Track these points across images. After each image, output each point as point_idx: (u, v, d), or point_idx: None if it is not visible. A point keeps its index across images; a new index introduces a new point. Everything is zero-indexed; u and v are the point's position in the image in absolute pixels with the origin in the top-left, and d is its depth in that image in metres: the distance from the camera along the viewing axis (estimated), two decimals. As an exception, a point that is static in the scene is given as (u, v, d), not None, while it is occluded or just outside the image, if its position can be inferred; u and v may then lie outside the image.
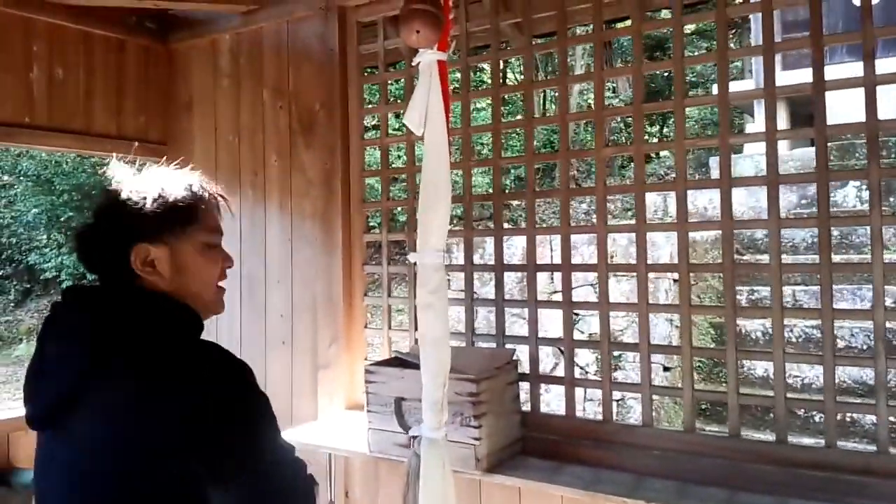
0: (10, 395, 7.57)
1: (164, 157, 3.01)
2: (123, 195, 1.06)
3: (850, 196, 5.41)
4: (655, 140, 9.26)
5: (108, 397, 0.94)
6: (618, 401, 4.53)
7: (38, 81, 2.55)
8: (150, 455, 0.92)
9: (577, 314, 4.35)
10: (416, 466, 1.57)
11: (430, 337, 1.56)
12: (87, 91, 2.71)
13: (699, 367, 4.78)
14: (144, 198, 1.05)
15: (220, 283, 1.15)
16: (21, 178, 9.74)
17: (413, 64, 1.55)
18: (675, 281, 5.05)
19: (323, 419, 2.46)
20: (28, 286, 10.33)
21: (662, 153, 8.85)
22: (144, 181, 1.08)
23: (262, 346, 2.65)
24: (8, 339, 9.44)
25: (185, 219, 1.07)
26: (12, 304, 10.08)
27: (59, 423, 0.98)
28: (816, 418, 4.17)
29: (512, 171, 7.70)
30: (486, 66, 5.71)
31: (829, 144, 1.88)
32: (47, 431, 1.03)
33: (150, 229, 1.04)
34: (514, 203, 6.99)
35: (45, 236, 9.78)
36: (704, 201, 5.41)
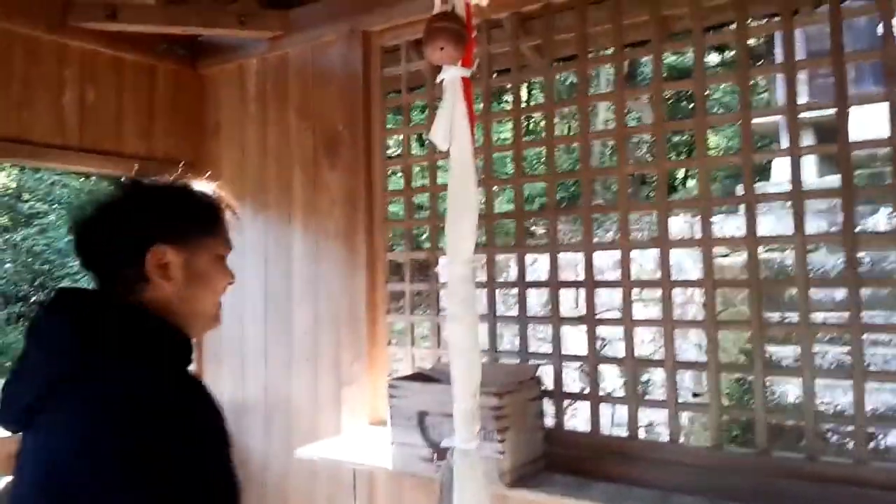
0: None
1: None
2: (147, 190, 1.03)
3: (880, 222, 5.32)
4: (681, 172, 9.25)
5: (69, 411, 0.89)
6: (645, 426, 4.45)
7: (69, 104, 2.62)
8: (88, 488, 0.85)
9: (603, 339, 4.30)
10: (450, 480, 1.54)
11: (460, 348, 1.55)
12: (118, 114, 2.78)
13: (728, 392, 4.68)
14: (171, 196, 1.03)
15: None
16: (55, 205, 9.98)
17: (437, 81, 1.57)
18: (703, 305, 4.99)
19: (347, 434, 2.46)
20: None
21: (689, 183, 8.80)
22: (169, 182, 1.07)
23: (288, 362, 2.67)
24: None
25: (209, 226, 1.05)
26: None
27: (33, 424, 0.95)
28: (846, 443, 4.05)
29: (536, 199, 7.74)
30: (508, 94, 5.78)
31: (857, 172, 1.87)
32: (23, 434, 0.99)
33: (173, 231, 1.01)
34: (539, 231, 7.00)
35: (76, 263, 9.94)
36: (732, 229, 5.36)
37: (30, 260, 10.14)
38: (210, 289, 1.06)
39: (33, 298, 10.30)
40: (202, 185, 1.10)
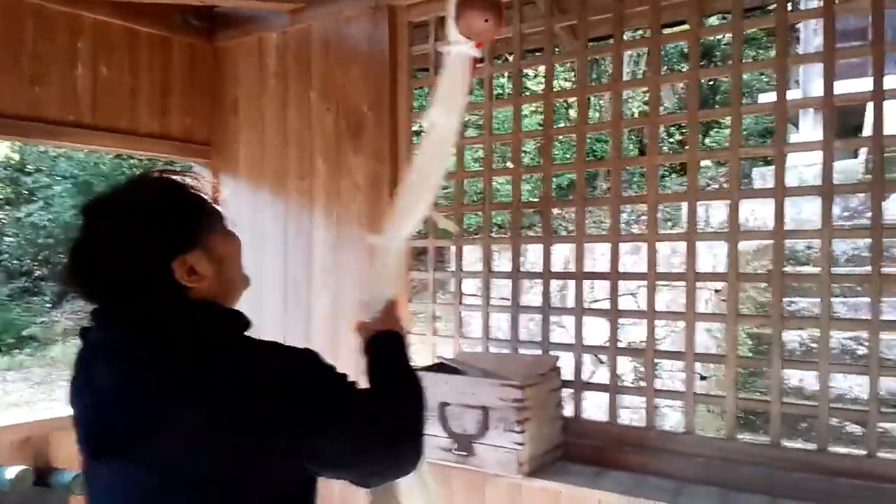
0: (47, 395, 7.64)
1: (210, 159, 3.04)
2: (140, 211, 1.02)
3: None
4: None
5: (192, 417, 0.94)
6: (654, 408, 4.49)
7: (82, 79, 2.56)
8: (250, 458, 0.95)
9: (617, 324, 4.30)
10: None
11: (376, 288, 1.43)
12: (132, 90, 2.72)
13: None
14: (165, 208, 1.03)
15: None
16: (59, 179, 9.86)
17: (442, 51, 1.44)
18: (716, 291, 4.97)
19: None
20: (64, 288, 10.40)
21: (703, 162, 8.72)
22: (150, 193, 1.06)
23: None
24: (44, 340, 9.48)
25: (205, 217, 1.07)
26: (48, 306, 10.11)
27: (135, 450, 0.96)
28: (848, 429, 4.08)
29: (553, 179, 7.69)
30: (530, 71, 5.66)
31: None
32: (112, 460, 0.99)
33: (183, 238, 1.02)
34: (555, 211, 6.93)
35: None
36: (746, 212, 5.33)
37: (33, 235, 10.06)
38: (234, 259, 1.11)
39: (37, 273, 10.23)
40: (168, 178, 1.08)
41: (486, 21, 1.39)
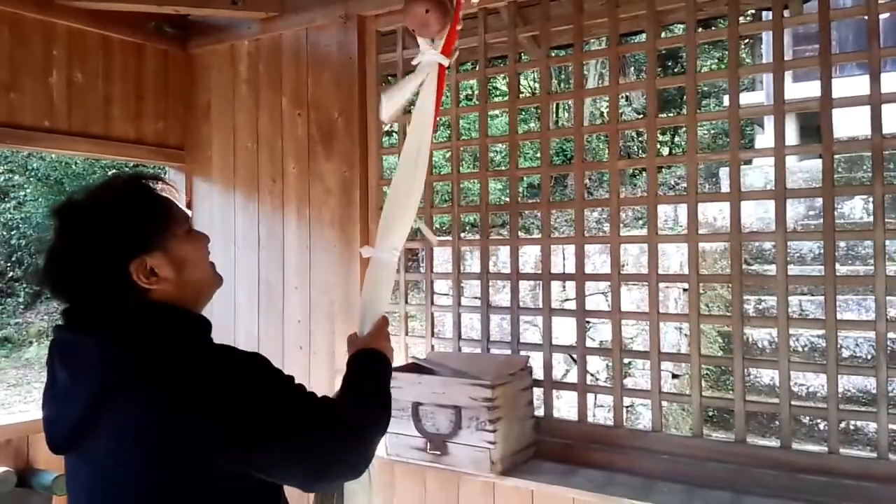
0: (22, 398, 7.57)
1: (183, 163, 3.07)
2: (100, 214, 1.04)
3: (857, 208, 5.45)
4: (667, 149, 9.32)
5: (130, 414, 0.95)
6: (627, 407, 4.59)
7: (57, 85, 2.58)
8: (184, 459, 0.95)
9: (587, 322, 4.39)
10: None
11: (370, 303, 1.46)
12: (106, 95, 2.74)
13: (707, 374, 4.83)
14: (125, 211, 1.04)
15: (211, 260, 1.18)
16: (30, 178, 9.73)
17: (413, 63, 1.47)
18: (684, 290, 5.09)
19: (339, 422, 2.50)
20: (38, 289, 10.35)
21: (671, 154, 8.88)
22: (113, 196, 1.08)
23: (280, 350, 2.69)
24: (18, 341, 9.38)
25: (163, 219, 1.08)
26: (22, 307, 10.01)
27: (80, 446, 1.00)
28: (821, 426, 4.20)
29: (525, 178, 7.75)
30: (500, 76, 5.73)
31: (837, 157, 1.92)
32: (70, 455, 1.05)
33: (141, 240, 1.03)
34: (527, 211, 7.01)
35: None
36: (714, 211, 5.46)
37: (5, 234, 9.90)
38: (198, 262, 1.11)
39: (10, 274, 10.06)
40: (132, 181, 1.11)
41: (427, 12, 1.40)
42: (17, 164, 9.86)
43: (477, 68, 2.39)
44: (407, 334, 2.52)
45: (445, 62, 1.46)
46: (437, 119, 1.52)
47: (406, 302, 2.52)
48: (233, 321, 2.83)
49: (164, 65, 2.94)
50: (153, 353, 0.98)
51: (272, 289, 2.73)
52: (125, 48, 2.80)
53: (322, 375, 2.58)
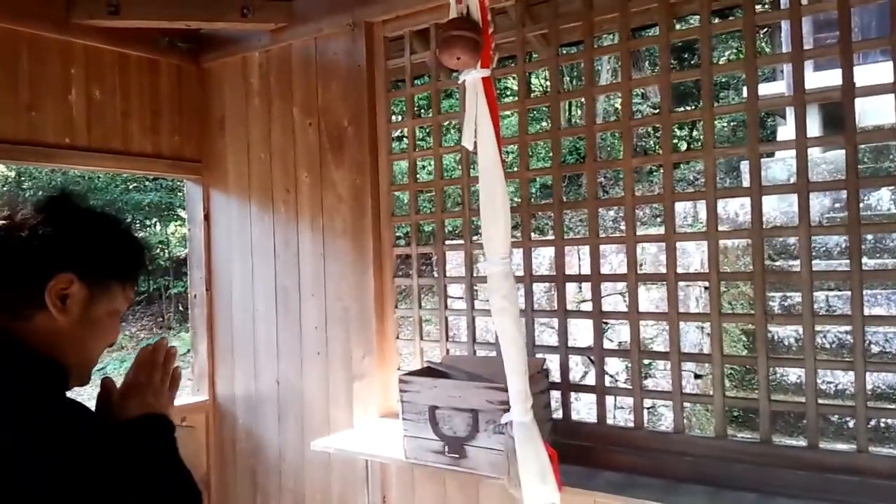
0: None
1: (200, 175, 3.11)
2: (75, 212, 0.95)
3: (884, 199, 5.29)
4: (685, 144, 9.20)
5: None
6: (648, 408, 4.51)
7: (77, 103, 2.64)
8: None
9: (606, 323, 4.35)
10: (513, 447, 1.74)
11: (508, 337, 1.70)
12: (124, 111, 2.79)
13: (731, 374, 4.73)
14: (98, 228, 0.96)
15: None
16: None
17: (458, 82, 1.61)
18: (705, 288, 5.00)
19: (359, 427, 2.52)
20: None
21: (691, 150, 8.74)
22: (100, 212, 0.98)
23: (299, 357, 2.71)
24: None
25: (123, 274, 0.97)
26: None
27: None
28: (849, 424, 4.10)
29: (538, 178, 7.70)
30: (510, 76, 5.73)
31: (862, 146, 1.87)
32: None
33: (88, 263, 0.92)
34: (539, 212, 6.93)
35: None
36: (736, 206, 5.34)
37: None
38: (100, 340, 0.96)
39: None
40: (131, 230, 1.02)
41: (459, 59, 1.54)
42: (43, 179, 10.08)
43: (494, 66, 2.36)
44: (422, 338, 2.51)
45: (487, 74, 1.59)
46: (499, 127, 1.62)
47: (420, 306, 2.51)
48: (252, 329, 2.85)
49: (178, 79, 2.98)
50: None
51: (289, 297, 2.74)
52: (140, 64, 2.85)
53: (339, 380, 2.59)
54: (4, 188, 10.11)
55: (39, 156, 2.56)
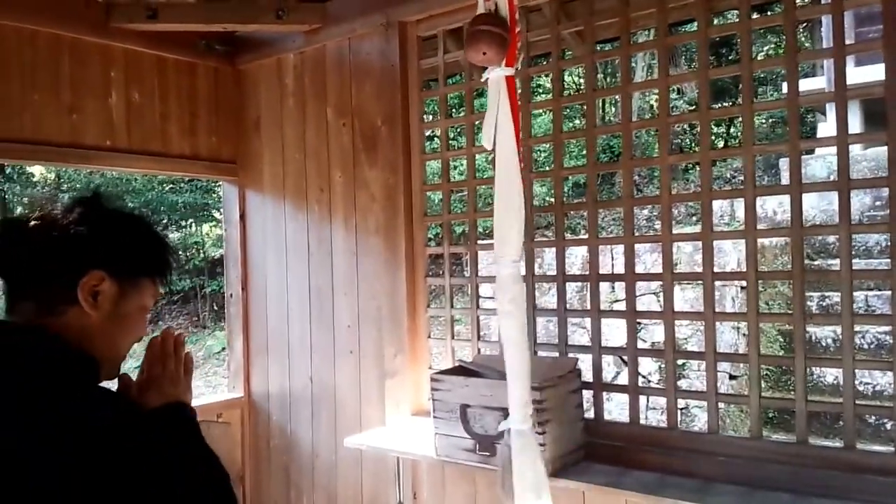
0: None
1: (236, 176, 3.16)
2: (106, 212, 0.98)
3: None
4: (722, 141, 9.03)
5: None
6: (682, 409, 4.44)
7: (116, 106, 2.70)
8: None
9: (639, 323, 4.30)
10: (508, 455, 1.70)
11: (512, 341, 1.67)
12: (163, 113, 2.85)
13: (767, 374, 4.63)
14: (129, 227, 1.00)
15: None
16: (92, 195, 10.21)
17: (482, 80, 1.60)
18: (742, 288, 4.91)
19: (390, 425, 2.54)
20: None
21: (729, 145, 8.58)
22: (130, 212, 1.03)
23: (332, 355, 2.75)
24: None
25: (153, 271, 1.01)
26: None
27: None
28: (887, 425, 3.98)
29: (570, 177, 7.63)
30: (545, 74, 5.71)
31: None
32: None
33: (119, 261, 0.96)
34: (572, 211, 6.90)
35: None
36: (774, 205, 5.23)
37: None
38: (129, 335, 1.00)
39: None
40: (157, 229, 1.05)
41: (484, 54, 1.53)
42: (81, 182, 10.33)
43: (519, 67, 2.36)
44: (453, 338, 2.52)
45: (511, 72, 1.58)
46: (519, 128, 1.62)
47: (451, 306, 2.52)
48: (286, 327, 2.89)
49: (215, 81, 3.04)
50: (35, 387, 0.84)
51: (322, 295, 2.78)
52: (178, 67, 2.91)
53: (372, 378, 2.62)
54: (45, 189, 10.42)
55: (81, 158, 2.63)
